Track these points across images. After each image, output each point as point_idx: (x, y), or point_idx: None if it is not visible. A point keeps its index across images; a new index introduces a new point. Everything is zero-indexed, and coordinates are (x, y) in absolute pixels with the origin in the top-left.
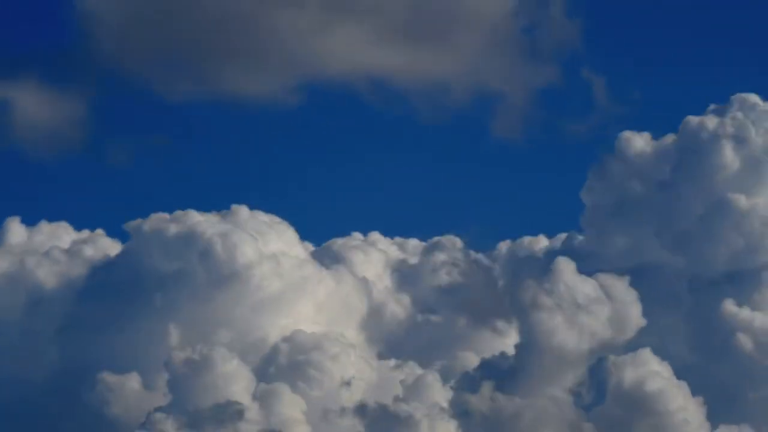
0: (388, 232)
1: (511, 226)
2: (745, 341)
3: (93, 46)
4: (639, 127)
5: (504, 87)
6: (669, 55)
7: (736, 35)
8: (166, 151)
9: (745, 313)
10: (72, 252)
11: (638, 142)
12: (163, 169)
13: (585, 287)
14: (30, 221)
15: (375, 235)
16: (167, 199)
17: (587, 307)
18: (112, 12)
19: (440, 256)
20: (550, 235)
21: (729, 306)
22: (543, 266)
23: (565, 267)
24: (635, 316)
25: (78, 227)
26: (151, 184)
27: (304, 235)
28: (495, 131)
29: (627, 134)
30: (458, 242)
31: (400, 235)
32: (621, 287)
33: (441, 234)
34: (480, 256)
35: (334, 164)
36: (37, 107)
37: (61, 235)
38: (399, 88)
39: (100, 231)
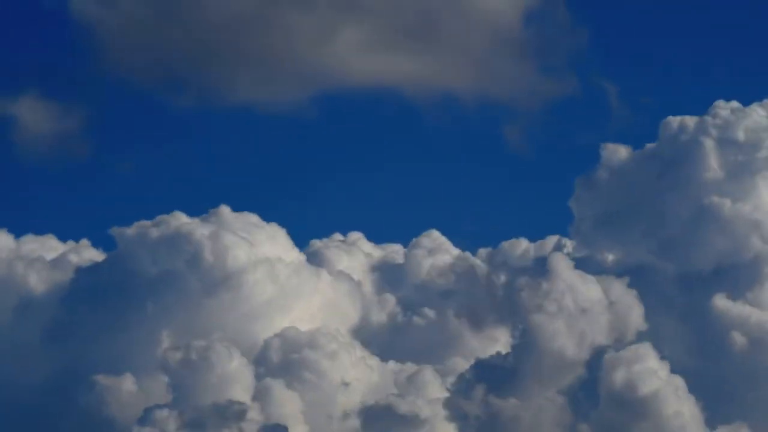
0: (383, 238)
1: (511, 231)
2: (738, 337)
3: (93, 58)
4: (651, 135)
5: (513, 95)
6: (681, 61)
7: (746, 39)
8: (161, 158)
9: (738, 308)
10: (62, 259)
11: (621, 152)
12: (152, 175)
13: (582, 288)
14: (24, 232)
15: (363, 239)
16: (155, 206)
17: (584, 307)
18: (112, 22)
19: (433, 259)
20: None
21: (721, 302)
22: (536, 269)
23: (562, 268)
24: (633, 318)
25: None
26: (146, 192)
27: (300, 238)
28: (503, 139)
29: (609, 146)
30: (450, 245)
31: (395, 241)
32: (619, 288)
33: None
34: (474, 258)
35: (334, 170)
36: (38, 120)
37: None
38: (406, 97)
39: (85, 242)
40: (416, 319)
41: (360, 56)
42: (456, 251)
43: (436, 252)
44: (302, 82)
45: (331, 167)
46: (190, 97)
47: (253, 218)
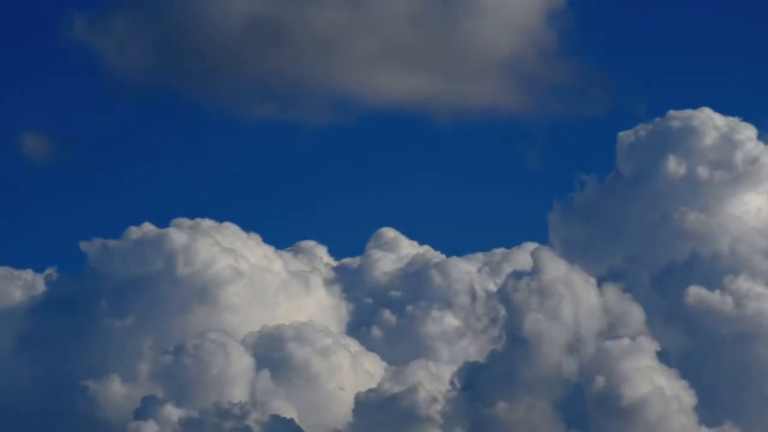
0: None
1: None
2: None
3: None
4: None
5: (526, 114)
6: (707, 80)
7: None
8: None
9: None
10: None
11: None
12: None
13: (572, 289)
14: None
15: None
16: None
17: (573, 308)
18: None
19: (420, 262)
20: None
21: (695, 292)
22: (525, 271)
23: (552, 269)
24: (622, 320)
25: None
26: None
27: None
28: (511, 153)
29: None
30: (436, 252)
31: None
32: (609, 291)
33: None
34: (461, 261)
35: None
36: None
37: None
38: (421, 114)
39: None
40: (401, 321)
41: (369, 70)
42: (442, 256)
43: (427, 258)
44: (311, 95)
45: (323, 177)
46: (186, 109)
47: (233, 227)
